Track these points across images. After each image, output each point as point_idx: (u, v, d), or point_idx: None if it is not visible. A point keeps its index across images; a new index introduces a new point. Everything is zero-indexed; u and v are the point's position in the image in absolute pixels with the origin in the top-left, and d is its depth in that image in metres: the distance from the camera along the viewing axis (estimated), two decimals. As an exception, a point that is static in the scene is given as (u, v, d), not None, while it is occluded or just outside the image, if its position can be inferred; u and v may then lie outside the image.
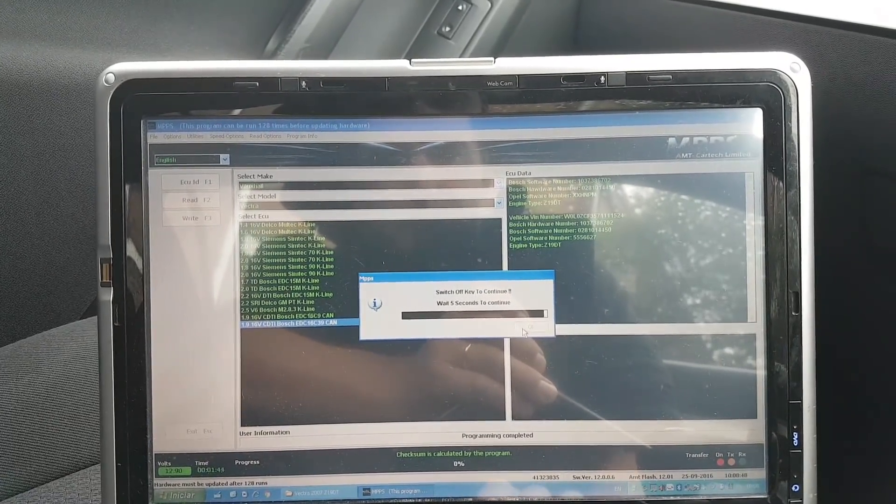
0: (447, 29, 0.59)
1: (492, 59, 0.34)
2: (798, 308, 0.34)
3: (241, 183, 0.34)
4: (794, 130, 0.34)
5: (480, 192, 0.35)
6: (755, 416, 0.34)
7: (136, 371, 0.34)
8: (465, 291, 0.35)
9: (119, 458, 0.34)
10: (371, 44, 0.61)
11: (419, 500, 0.34)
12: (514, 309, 0.35)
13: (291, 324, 0.35)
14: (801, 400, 0.34)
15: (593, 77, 0.34)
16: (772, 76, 0.34)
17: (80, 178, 0.58)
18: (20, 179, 0.56)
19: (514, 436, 0.35)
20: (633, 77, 0.34)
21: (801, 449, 0.34)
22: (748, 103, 0.34)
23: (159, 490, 0.34)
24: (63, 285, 0.59)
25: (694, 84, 0.34)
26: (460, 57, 0.59)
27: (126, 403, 0.34)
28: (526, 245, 0.35)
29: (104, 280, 0.34)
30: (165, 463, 0.34)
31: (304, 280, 0.35)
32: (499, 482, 0.35)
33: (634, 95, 0.34)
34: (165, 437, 0.34)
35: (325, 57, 0.60)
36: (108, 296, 0.34)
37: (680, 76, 0.34)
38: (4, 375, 0.46)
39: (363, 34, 0.61)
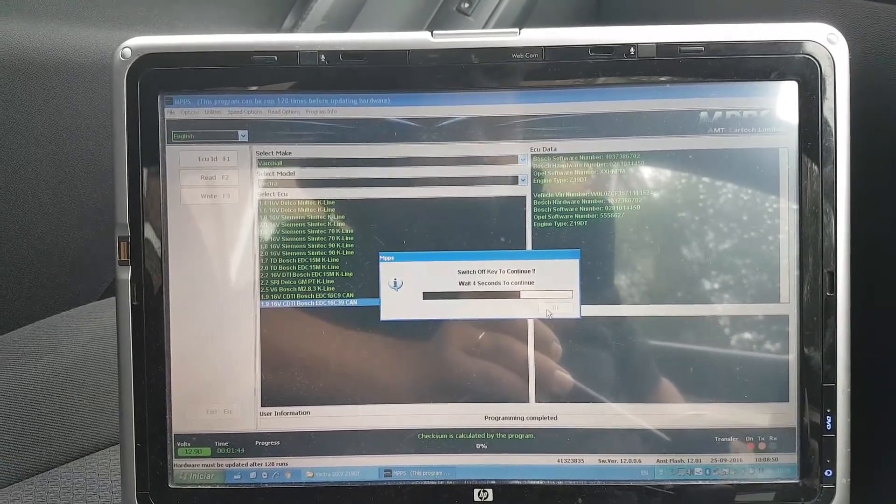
0: (466, 5, 0.58)
1: (517, 30, 0.33)
2: (833, 288, 0.33)
3: (259, 160, 0.34)
4: (831, 104, 0.33)
5: (504, 169, 0.34)
6: (787, 400, 0.33)
7: (155, 350, 0.33)
8: (488, 271, 0.34)
9: (138, 438, 0.33)
10: (388, 21, 0.60)
11: (441, 482, 0.34)
12: (538, 289, 0.34)
13: (311, 304, 0.34)
14: (836, 383, 0.33)
15: (622, 48, 0.33)
16: (808, 48, 0.33)
17: (97, 158, 0.57)
18: (37, 160, 0.56)
19: (538, 418, 0.34)
20: (664, 48, 0.33)
21: (835, 433, 0.33)
22: (783, 76, 0.33)
23: (179, 471, 0.34)
24: (81, 266, 0.59)
25: (727, 56, 0.33)
26: (480, 34, 0.58)
27: (145, 383, 0.33)
28: (551, 223, 0.34)
29: (122, 258, 0.33)
30: (185, 443, 0.34)
31: (323, 259, 0.34)
32: (522, 465, 0.34)
33: (665, 68, 0.33)
34: (185, 417, 0.34)
35: (342, 36, 0.60)
36: (126, 274, 0.33)
37: (713, 48, 0.33)
38: (24, 356, 0.46)
39: (380, 11, 0.60)
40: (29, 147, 0.55)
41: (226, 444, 0.34)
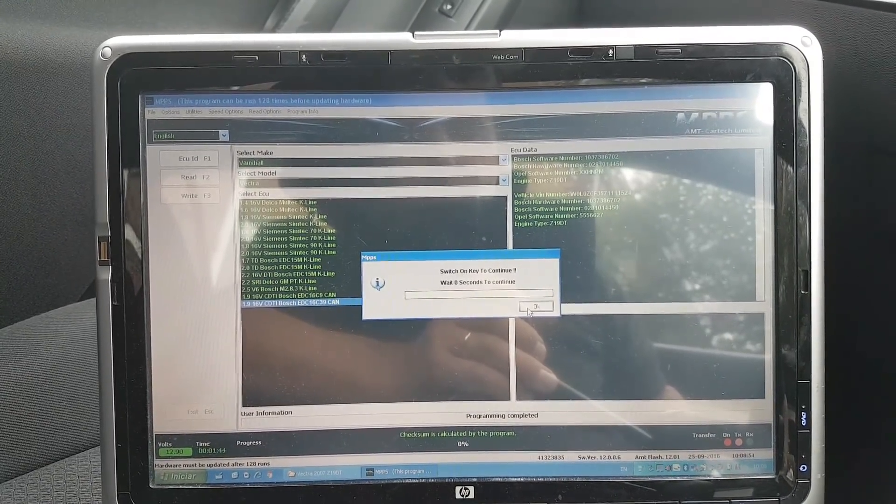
0: (448, 7, 0.58)
1: (497, 31, 0.33)
2: (807, 287, 0.33)
3: (240, 160, 0.34)
4: (805, 106, 0.33)
5: (485, 169, 0.34)
6: (763, 396, 0.34)
7: (136, 351, 0.33)
8: (470, 270, 0.34)
9: (119, 439, 0.33)
10: (370, 22, 0.60)
11: (423, 481, 0.34)
12: (519, 288, 0.34)
13: (293, 303, 0.34)
14: (810, 380, 0.33)
15: (601, 50, 0.33)
16: (782, 50, 0.33)
17: (76, 158, 0.57)
18: (16, 160, 0.55)
19: (519, 416, 0.34)
20: (642, 51, 0.33)
21: (810, 429, 0.33)
22: (758, 78, 0.33)
23: (160, 471, 0.34)
24: (60, 267, 0.59)
25: (704, 58, 0.33)
26: (462, 35, 0.58)
27: (126, 384, 0.33)
28: (531, 223, 0.34)
29: (102, 258, 0.33)
30: (166, 444, 0.34)
31: (305, 259, 0.34)
32: (503, 462, 0.34)
33: (643, 69, 0.33)
34: (166, 417, 0.34)
35: (325, 36, 0.60)
36: (106, 274, 0.33)
37: (690, 50, 0.33)
38: (3, 358, 0.45)
39: (362, 12, 0.60)
40: (7, 147, 0.55)
41: (207, 444, 0.34)
